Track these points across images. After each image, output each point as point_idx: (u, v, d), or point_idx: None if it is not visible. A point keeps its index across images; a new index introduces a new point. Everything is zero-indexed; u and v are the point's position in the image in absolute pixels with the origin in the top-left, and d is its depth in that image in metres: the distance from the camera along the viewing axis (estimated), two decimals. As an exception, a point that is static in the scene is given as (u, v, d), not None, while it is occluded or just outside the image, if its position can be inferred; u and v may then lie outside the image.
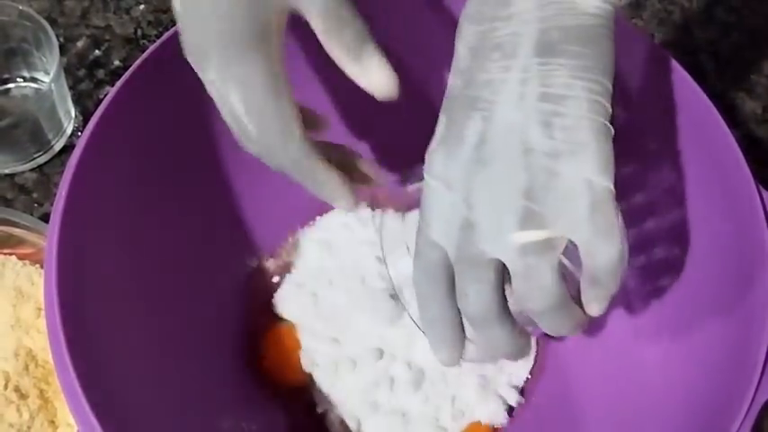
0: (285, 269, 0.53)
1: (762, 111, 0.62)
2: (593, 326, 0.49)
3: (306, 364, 0.49)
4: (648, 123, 0.46)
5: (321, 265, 0.52)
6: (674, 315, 0.45)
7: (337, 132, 0.52)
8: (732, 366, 0.39)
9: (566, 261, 0.36)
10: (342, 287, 0.50)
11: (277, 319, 0.51)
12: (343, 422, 0.48)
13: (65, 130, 0.56)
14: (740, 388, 0.37)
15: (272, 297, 0.52)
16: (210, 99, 0.37)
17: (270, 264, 0.53)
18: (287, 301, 0.51)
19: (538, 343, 0.51)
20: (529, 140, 0.31)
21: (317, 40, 0.37)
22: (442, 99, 0.35)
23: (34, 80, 0.58)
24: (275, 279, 0.52)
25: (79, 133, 0.57)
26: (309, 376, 0.49)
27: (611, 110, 0.32)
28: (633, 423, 0.44)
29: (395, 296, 0.48)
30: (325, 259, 0.52)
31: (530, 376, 0.50)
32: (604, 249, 0.32)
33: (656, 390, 0.44)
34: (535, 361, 0.50)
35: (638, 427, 0.44)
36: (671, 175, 0.46)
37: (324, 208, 0.54)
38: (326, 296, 0.50)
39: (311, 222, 0.54)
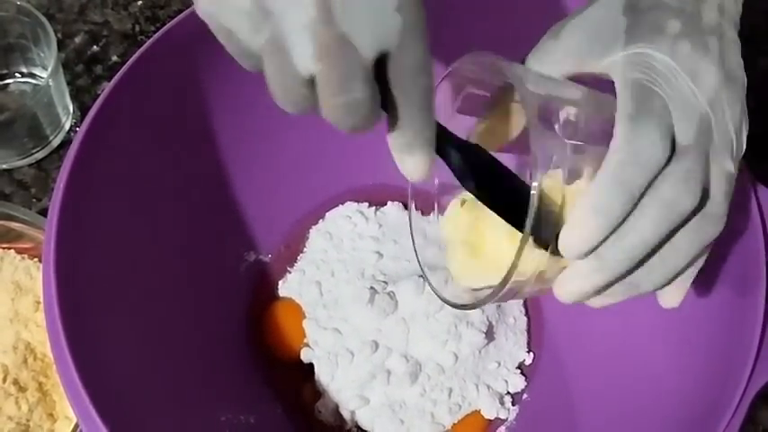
0: (288, 263, 0.53)
1: (756, 105, 0.62)
2: (588, 321, 0.50)
3: (306, 353, 0.49)
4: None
5: (325, 256, 0.52)
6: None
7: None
8: (725, 358, 0.40)
9: None
10: (342, 279, 0.51)
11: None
12: (338, 413, 0.48)
13: (63, 126, 0.57)
14: (733, 378, 0.37)
15: (275, 290, 0.52)
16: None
17: (273, 257, 0.53)
18: (292, 287, 0.52)
19: (530, 334, 0.51)
20: None
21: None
22: None
23: (32, 76, 0.58)
24: (278, 273, 0.53)
25: (77, 128, 0.57)
26: (309, 365, 0.49)
27: None
28: (629, 415, 0.45)
29: (392, 293, 0.48)
30: (329, 251, 0.52)
31: (526, 371, 0.51)
32: None
33: (650, 381, 0.44)
34: (531, 354, 0.51)
35: (633, 418, 0.44)
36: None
37: (328, 202, 0.54)
38: (329, 286, 0.51)
39: (318, 216, 0.54)
